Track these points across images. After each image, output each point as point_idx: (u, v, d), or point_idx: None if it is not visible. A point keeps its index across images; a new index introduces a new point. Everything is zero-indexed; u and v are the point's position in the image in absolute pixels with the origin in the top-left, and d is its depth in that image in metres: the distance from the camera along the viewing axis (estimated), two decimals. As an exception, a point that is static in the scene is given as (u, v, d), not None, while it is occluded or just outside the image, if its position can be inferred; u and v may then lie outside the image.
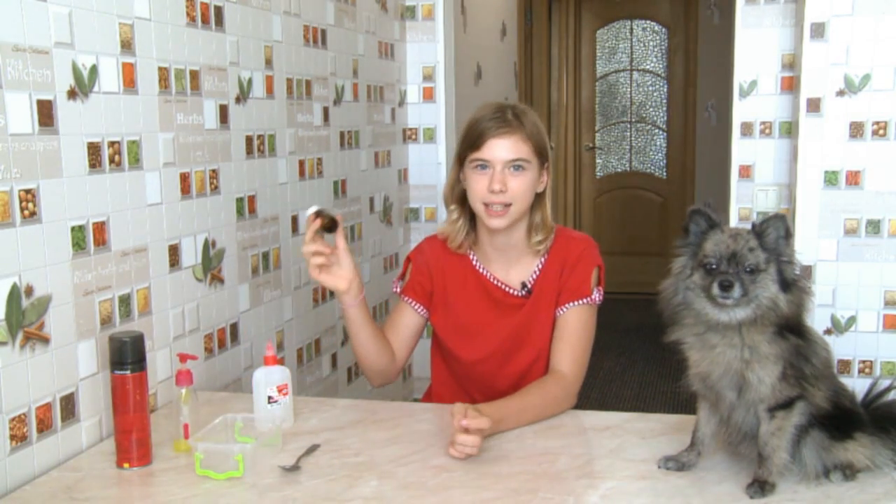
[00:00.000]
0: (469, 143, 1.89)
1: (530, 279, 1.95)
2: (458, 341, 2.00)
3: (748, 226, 1.43)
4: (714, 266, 1.40)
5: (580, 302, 1.91)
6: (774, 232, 1.40)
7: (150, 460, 1.62)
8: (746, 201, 3.21)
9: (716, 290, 1.38)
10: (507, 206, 1.86)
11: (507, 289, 1.97)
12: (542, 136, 1.90)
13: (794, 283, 1.41)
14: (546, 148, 1.92)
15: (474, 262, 1.99)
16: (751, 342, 1.40)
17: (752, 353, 1.40)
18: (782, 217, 1.41)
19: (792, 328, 1.41)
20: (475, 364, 1.99)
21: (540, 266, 1.95)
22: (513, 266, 1.97)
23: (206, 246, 2.18)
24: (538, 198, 1.93)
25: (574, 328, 1.91)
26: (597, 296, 1.93)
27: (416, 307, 2.01)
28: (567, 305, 1.92)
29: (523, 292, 1.95)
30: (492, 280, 1.97)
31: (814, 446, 1.44)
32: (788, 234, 1.41)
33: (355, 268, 1.83)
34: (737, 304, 1.38)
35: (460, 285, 1.99)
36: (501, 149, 1.85)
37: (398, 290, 2.05)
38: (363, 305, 1.87)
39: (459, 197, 1.96)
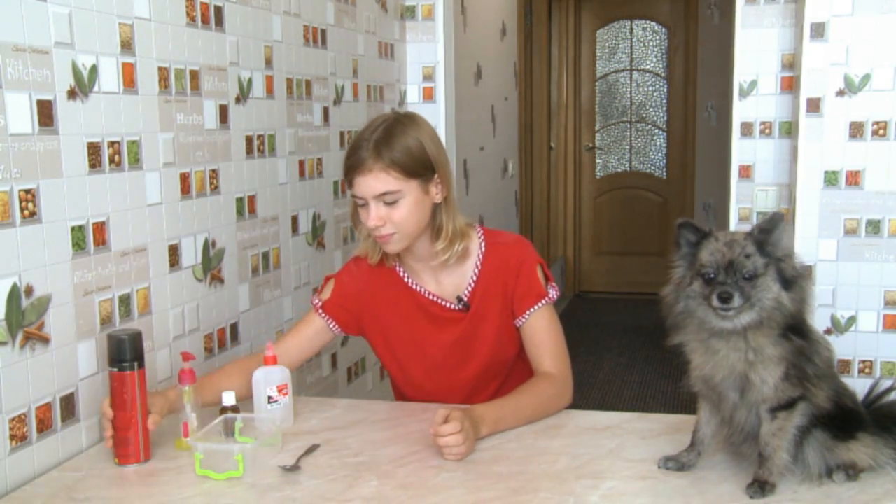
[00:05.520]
0: (345, 177, 1.84)
1: (466, 292, 1.91)
2: (401, 359, 1.97)
3: (748, 227, 1.43)
4: (712, 276, 1.39)
5: (539, 305, 1.89)
6: (773, 229, 1.39)
7: (150, 458, 1.62)
8: (746, 201, 3.20)
9: (715, 302, 1.37)
10: (392, 233, 1.81)
11: (442, 303, 1.92)
12: (416, 153, 1.79)
13: (794, 280, 1.40)
14: (428, 160, 1.81)
15: (404, 277, 1.94)
16: (756, 344, 1.40)
17: (756, 355, 1.40)
18: (781, 214, 1.41)
19: (795, 328, 1.41)
20: (422, 381, 1.96)
21: (474, 277, 1.90)
22: (443, 277, 1.92)
23: (206, 246, 2.18)
24: (437, 207, 1.85)
25: (543, 330, 1.89)
26: (553, 293, 1.91)
27: (330, 324, 1.96)
28: (527, 313, 1.89)
29: (460, 306, 1.91)
30: (426, 295, 1.92)
31: (817, 446, 1.44)
32: (783, 231, 1.39)
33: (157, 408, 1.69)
34: (739, 313, 1.38)
35: (393, 303, 1.94)
36: (366, 186, 1.78)
37: (318, 303, 1.97)
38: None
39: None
